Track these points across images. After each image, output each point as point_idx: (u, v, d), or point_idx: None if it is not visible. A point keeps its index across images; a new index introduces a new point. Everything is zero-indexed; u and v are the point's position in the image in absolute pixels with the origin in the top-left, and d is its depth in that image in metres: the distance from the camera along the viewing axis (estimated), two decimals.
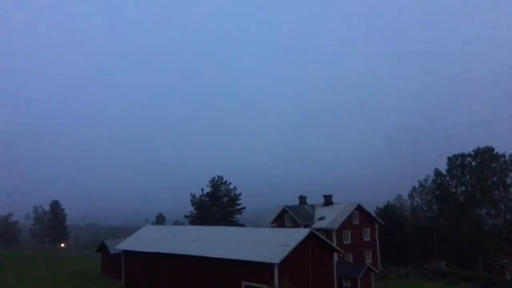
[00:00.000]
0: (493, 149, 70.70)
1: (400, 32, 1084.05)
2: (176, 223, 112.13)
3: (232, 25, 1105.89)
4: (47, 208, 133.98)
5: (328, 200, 65.21)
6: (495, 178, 69.57)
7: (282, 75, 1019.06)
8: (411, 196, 77.15)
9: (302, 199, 68.52)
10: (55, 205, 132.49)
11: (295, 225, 60.74)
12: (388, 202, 79.19)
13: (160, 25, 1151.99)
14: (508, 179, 68.69)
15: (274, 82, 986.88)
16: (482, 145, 71.90)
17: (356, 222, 61.23)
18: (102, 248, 57.02)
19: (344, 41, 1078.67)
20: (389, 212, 74.69)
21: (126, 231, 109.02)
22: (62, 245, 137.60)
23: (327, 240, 41.62)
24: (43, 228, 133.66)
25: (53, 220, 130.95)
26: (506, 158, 69.26)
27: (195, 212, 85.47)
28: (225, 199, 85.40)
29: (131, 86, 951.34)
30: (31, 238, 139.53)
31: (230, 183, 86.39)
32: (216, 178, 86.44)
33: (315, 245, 37.59)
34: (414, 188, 76.74)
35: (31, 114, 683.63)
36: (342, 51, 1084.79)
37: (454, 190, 73.11)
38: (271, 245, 36.76)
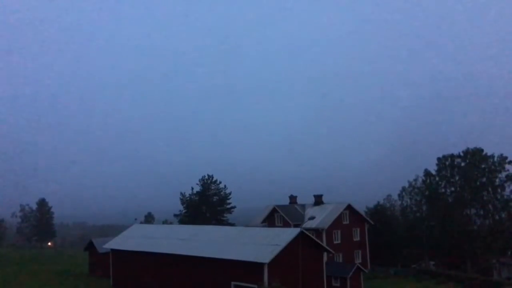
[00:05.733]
0: (482, 150, 70.98)
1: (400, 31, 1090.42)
2: (165, 222, 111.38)
3: (238, 20, 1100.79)
4: (34, 206, 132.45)
5: (318, 200, 65.16)
6: (484, 179, 69.78)
7: (281, 73, 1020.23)
8: (400, 196, 77.30)
9: (293, 198, 68.38)
10: (42, 203, 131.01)
11: (285, 224, 60.56)
12: (378, 202, 79.32)
13: (161, 20, 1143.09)
14: (497, 180, 68.92)
15: (270, 81, 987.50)
16: (471, 146, 72.28)
17: (346, 222, 61.28)
18: (90, 247, 56.28)
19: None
20: (379, 212, 74.78)
21: (115, 230, 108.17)
22: (49, 244, 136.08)
23: (317, 240, 41.58)
24: (30, 226, 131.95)
25: (40, 219, 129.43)
26: (495, 159, 69.62)
27: (184, 211, 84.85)
28: (215, 198, 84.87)
29: (122, 83, 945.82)
30: (18, 237, 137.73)
31: (220, 182, 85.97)
32: (206, 177, 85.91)
33: (305, 245, 37.43)
34: (403, 188, 76.90)
35: (18, 112, 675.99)
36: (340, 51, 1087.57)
37: (443, 190, 73.28)
38: (261, 245, 36.53)
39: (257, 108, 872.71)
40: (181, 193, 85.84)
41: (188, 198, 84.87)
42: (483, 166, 70.23)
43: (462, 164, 71.77)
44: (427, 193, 73.78)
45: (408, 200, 76.71)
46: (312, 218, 54.34)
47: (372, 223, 65.09)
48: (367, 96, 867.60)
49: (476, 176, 69.90)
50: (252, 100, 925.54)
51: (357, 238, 62.51)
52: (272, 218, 64.30)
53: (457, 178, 71.92)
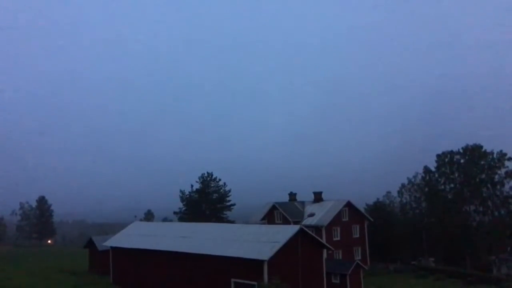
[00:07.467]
0: (481, 147, 71.13)
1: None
2: (165, 219, 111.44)
3: (238, 17, 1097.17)
4: (33, 204, 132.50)
5: (318, 197, 65.18)
6: (483, 176, 69.98)
7: (281, 71, 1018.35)
8: (400, 193, 77.43)
9: (292, 195, 68.35)
10: (42, 201, 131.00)
11: (285, 221, 60.57)
12: (378, 199, 79.40)
13: (164, 18, 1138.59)
14: (496, 177, 69.14)
15: (269, 79, 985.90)
16: (471, 143, 72.34)
17: (345, 218, 61.31)
18: (90, 244, 56.29)
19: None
20: (378, 209, 74.86)
21: (114, 227, 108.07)
22: (49, 241, 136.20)
23: (317, 237, 41.52)
24: (29, 224, 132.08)
25: (39, 217, 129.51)
26: (494, 155, 69.74)
27: (184, 208, 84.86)
28: (215, 195, 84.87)
29: (122, 82, 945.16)
30: (18, 235, 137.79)
31: (219, 180, 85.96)
32: (206, 174, 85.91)
33: (305, 242, 37.42)
34: (403, 185, 77.03)
35: (18, 110, 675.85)
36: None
37: (442, 187, 73.45)
38: (260, 242, 36.47)
39: (257, 106, 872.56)
40: (180, 190, 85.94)
41: (187, 196, 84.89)
42: (482, 162, 70.36)
43: (462, 160, 71.92)
44: (426, 189, 73.95)
45: (408, 197, 76.94)
46: (311, 215, 54.49)
47: (372, 220, 65.12)
48: (367, 94, 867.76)
49: (475, 172, 70.05)
50: (252, 98, 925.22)
51: (356, 235, 62.55)
52: (272, 215, 64.33)
53: (456, 174, 72.09)
